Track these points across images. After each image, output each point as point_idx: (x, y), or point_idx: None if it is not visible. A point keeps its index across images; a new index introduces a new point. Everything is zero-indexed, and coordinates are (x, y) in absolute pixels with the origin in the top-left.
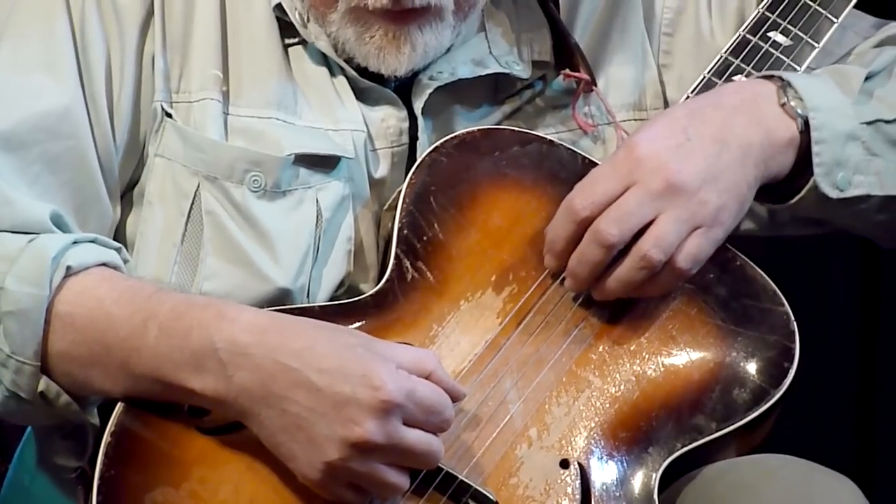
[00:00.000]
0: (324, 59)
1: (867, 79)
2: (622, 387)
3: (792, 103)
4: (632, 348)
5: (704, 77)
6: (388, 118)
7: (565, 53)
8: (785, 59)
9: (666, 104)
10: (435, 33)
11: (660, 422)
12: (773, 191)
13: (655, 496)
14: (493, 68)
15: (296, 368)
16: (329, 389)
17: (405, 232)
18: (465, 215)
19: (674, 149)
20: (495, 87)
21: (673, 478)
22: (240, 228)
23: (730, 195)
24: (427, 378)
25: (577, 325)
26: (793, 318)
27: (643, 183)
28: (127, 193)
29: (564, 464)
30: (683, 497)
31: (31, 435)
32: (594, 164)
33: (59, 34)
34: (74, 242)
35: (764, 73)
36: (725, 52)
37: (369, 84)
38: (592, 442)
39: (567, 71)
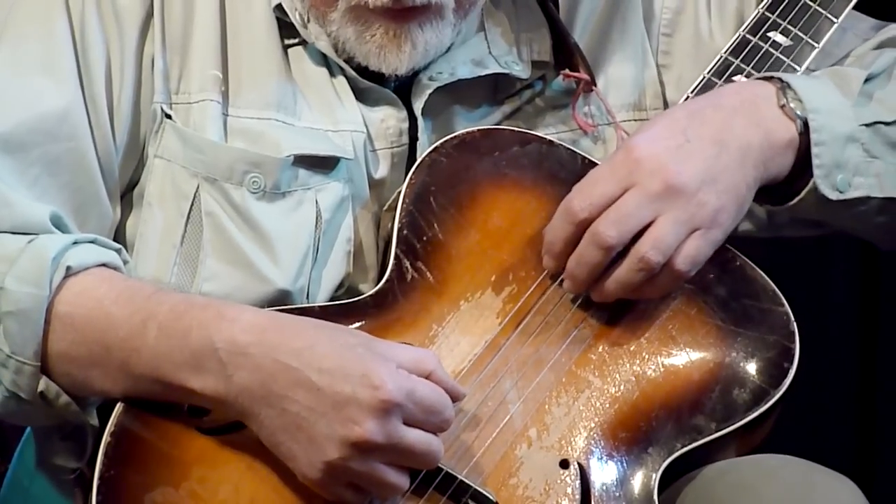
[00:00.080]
0: (324, 60)
1: (867, 81)
2: (622, 387)
3: (791, 105)
4: (631, 348)
5: (704, 77)
6: (387, 119)
7: (565, 53)
8: (785, 59)
9: (665, 104)
10: (435, 31)
11: (659, 422)
12: (772, 192)
13: (655, 496)
14: (493, 68)
15: (296, 368)
16: (329, 389)
17: (405, 232)
18: (465, 215)
19: (673, 150)
20: (495, 88)
21: (673, 478)
22: (239, 230)
23: (729, 197)
24: (427, 378)
25: (576, 326)
26: (793, 318)
27: (642, 184)
28: (127, 194)
29: (564, 464)
30: (683, 497)
31: (31, 435)
32: (594, 165)
33: (59, 35)
34: (74, 243)
35: (763, 74)
36: (725, 52)
37: (369, 84)
38: (592, 442)
39: (567, 71)
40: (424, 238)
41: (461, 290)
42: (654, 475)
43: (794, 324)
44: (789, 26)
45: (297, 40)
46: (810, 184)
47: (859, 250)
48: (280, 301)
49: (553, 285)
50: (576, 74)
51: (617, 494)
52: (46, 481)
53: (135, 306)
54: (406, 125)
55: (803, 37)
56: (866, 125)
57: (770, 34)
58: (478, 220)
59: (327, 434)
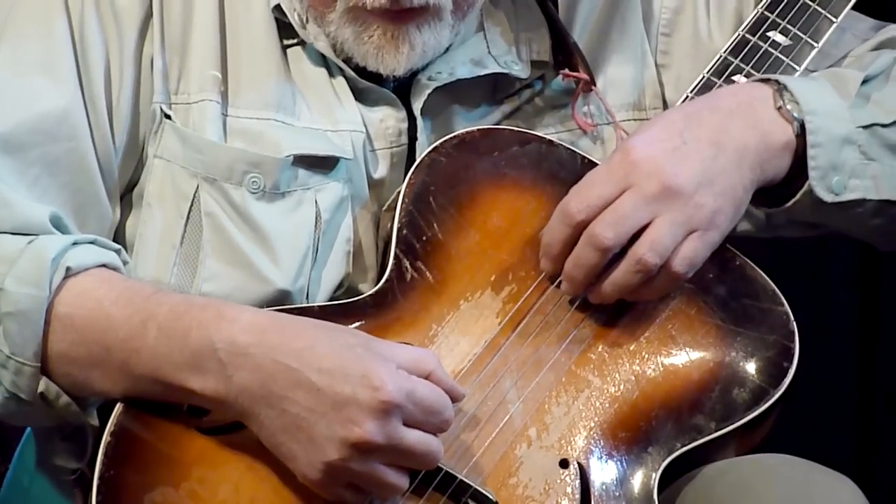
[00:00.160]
0: (322, 60)
1: (864, 82)
2: (622, 387)
3: (788, 107)
4: (631, 348)
5: (704, 77)
6: (386, 119)
7: (564, 53)
8: (784, 58)
9: (665, 104)
10: (433, 33)
11: (659, 421)
12: (768, 194)
13: (655, 496)
14: (492, 68)
15: (296, 368)
16: (329, 389)
17: (404, 232)
18: (465, 215)
19: (670, 152)
20: (494, 87)
21: (673, 478)
22: (239, 230)
23: (725, 198)
24: (426, 378)
25: (576, 325)
26: (792, 317)
27: (639, 186)
28: (126, 195)
29: (564, 463)
30: (683, 497)
31: (31, 436)
32: (593, 164)
33: (58, 36)
34: (74, 244)
35: (761, 76)
36: (725, 52)
37: (368, 85)
38: (592, 442)
39: (566, 71)
40: (424, 238)
41: (461, 289)
42: (653, 475)
43: (794, 323)
44: (788, 26)
45: (295, 41)
46: (806, 186)
47: (859, 250)
48: (280, 301)
49: (553, 285)
50: (575, 74)
51: (617, 494)
52: (46, 481)
53: (134, 307)
54: (405, 125)
55: (802, 36)
56: (863, 127)
57: (769, 33)
58: (477, 220)
59: (327, 434)
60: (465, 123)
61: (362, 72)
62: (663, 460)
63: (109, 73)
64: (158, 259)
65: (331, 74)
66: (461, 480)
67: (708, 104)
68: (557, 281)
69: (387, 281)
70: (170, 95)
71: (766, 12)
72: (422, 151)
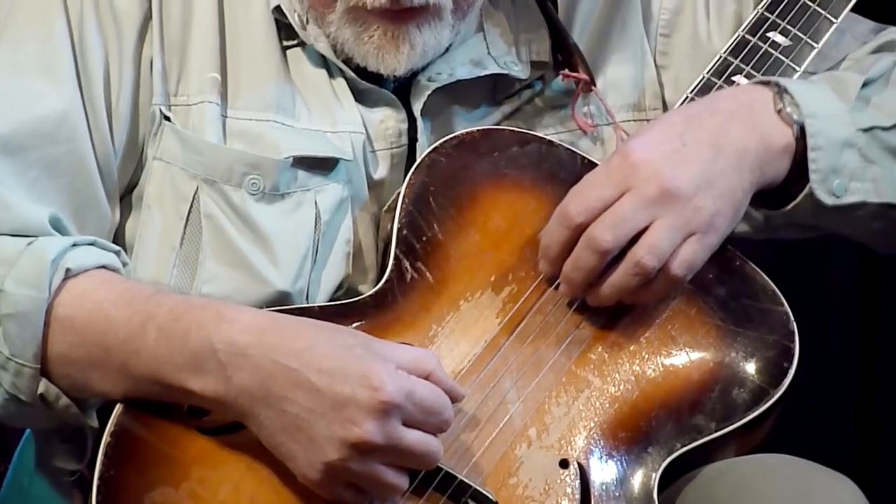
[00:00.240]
0: (322, 61)
1: (864, 85)
2: (622, 387)
3: (788, 109)
4: (631, 348)
5: (704, 77)
6: (386, 119)
7: (564, 53)
8: (784, 59)
9: (665, 105)
10: (434, 32)
11: (659, 422)
12: (768, 196)
13: (655, 496)
14: (492, 69)
15: (295, 369)
16: (328, 390)
17: (404, 232)
18: (465, 216)
19: (669, 155)
20: (494, 88)
21: (673, 478)
22: (238, 232)
23: (725, 201)
24: (426, 378)
25: (576, 326)
26: (792, 317)
27: (638, 189)
28: (126, 197)
29: (564, 464)
30: (683, 497)
31: (31, 436)
32: (593, 165)
33: (57, 38)
34: (74, 245)
35: (761, 78)
36: (725, 52)
37: (368, 85)
38: (592, 442)
39: (566, 71)
40: (424, 238)
41: (461, 290)
42: (653, 475)
43: (794, 323)
44: (788, 26)
45: (295, 42)
46: (806, 189)
47: (860, 251)
48: (279, 302)
49: (553, 285)
50: (575, 75)
51: (617, 494)
52: (46, 482)
53: (134, 308)
54: (405, 126)
55: (802, 37)
56: (863, 130)
57: (769, 34)
58: (477, 221)
59: (327, 435)
60: (465, 124)
61: (362, 73)
62: (663, 460)
63: (109, 74)
64: (158, 261)
65: (331, 75)
66: (461, 480)
67: (708, 106)
68: (557, 281)
69: (387, 281)
70: (169, 97)
71: (765, 13)
72: (422, 152)
